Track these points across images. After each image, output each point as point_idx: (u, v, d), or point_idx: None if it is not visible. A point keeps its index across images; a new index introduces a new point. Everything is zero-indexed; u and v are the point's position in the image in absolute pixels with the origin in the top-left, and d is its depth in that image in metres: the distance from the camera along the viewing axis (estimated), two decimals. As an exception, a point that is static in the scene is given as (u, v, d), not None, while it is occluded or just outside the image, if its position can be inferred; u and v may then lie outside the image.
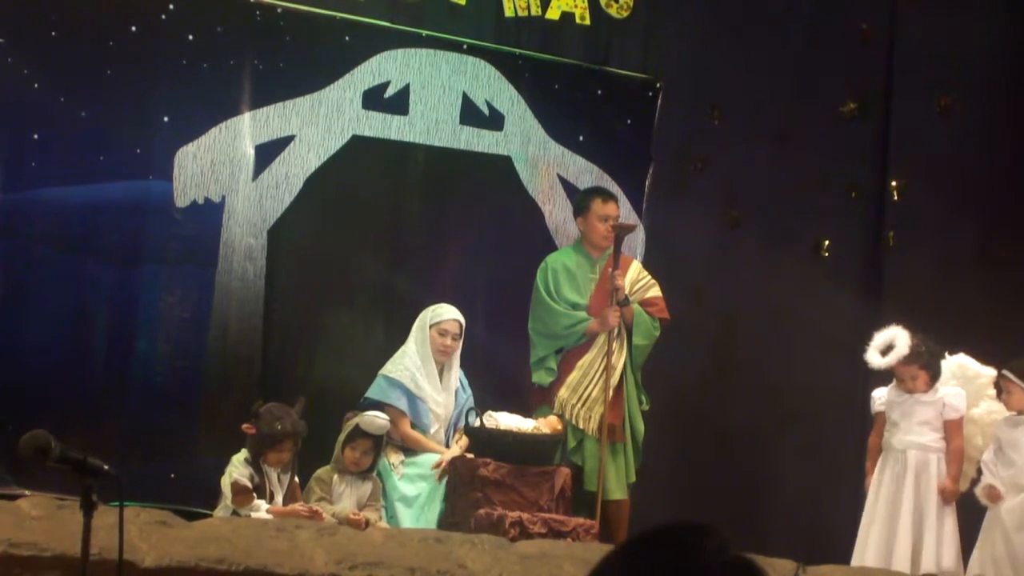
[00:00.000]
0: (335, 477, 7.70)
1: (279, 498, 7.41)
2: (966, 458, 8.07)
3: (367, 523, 7.36)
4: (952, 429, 7.99)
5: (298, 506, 7.35)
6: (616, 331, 8.48)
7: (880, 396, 8.16)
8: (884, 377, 8.26)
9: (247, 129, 8.69)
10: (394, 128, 9.11)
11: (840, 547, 8.15)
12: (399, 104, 9.12)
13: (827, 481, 9.56)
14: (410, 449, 8.12)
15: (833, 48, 9.86)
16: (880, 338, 8.07)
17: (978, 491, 7.89)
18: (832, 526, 8.91)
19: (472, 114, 9.29)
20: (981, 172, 9.98)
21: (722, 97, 9.71)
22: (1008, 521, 7.78)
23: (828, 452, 9.64)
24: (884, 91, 9.98)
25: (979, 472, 8.00)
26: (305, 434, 7.54)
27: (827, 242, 9.87)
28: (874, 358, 8.06)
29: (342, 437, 7.77)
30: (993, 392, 8.10)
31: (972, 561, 7.88)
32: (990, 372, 8.11)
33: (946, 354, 8.09)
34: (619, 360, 8.50)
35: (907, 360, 7.97)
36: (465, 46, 9.29)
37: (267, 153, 8.76)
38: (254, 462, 7.40)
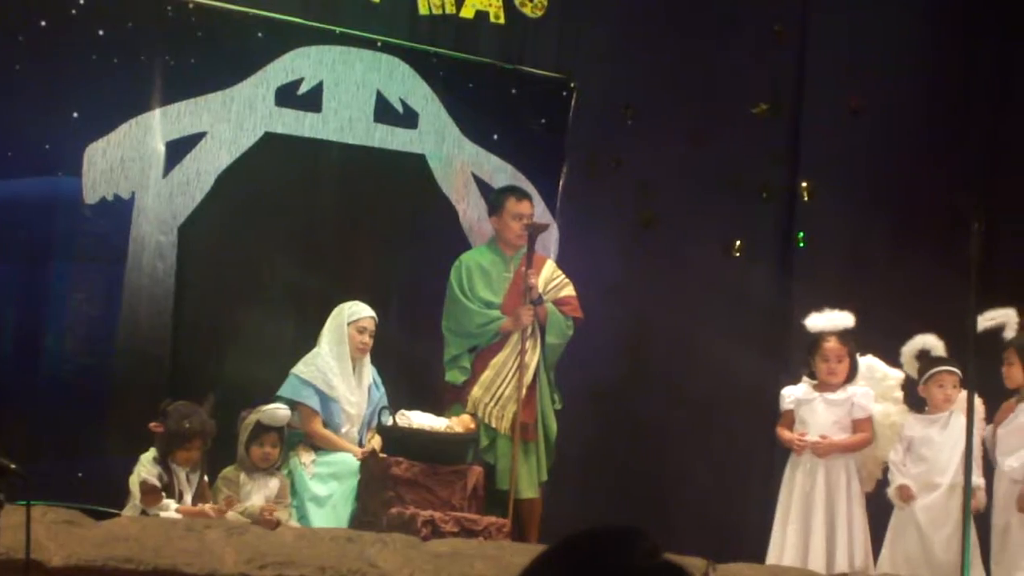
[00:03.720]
0: (242, 476, 7.65)
1: (188, 497, 7.35)
2: (872, 459, 8.12)
3: (278, 523, 7.32)
4: (860, 428, 8.05)
5: (207, 506, 7.30)
6: (529, 330, 8.49)
7: (789, 394, 8.20)
8: (795, 376, 8.32)
9: (158, 125, 8.62)
10: (307, 125, 9.07)
11: (751, 545, 8.19)
12: (312, 101, 9.08)
13: (738, 479, 9.61)
14: (322, 448, 8.09)
15: (746, 49, 9.92)
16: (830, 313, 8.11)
17: (890, 492, 7.92)
18: (743, 524, 8.95)
19: (386, 112, 9.27)
20: (891, 173, 10.07)
21: (636, 97, 9.75)
22: (923, 519, 7.79)
23: (739, 451, 9.70)
24: (795, 92, 10.06)
25: (884, 473, 8.06)
26: (214, 433, 7.49)
27: (738, 242, 9.93)
28: (816, 320, 8.09)
29: (244, 437, 7.71)
30: (899, 395, 8.16)
31: (882, 559, 7.92)
32: (897, 374, 8.17)
33: (856, 355, 8.15)
34: (532, 359, 8.51)
35: (844, 338, 8.00)
36: (379, 43, 9.26)
37: (178, 150, 8.69)
38: (163, 461, 7.34)
